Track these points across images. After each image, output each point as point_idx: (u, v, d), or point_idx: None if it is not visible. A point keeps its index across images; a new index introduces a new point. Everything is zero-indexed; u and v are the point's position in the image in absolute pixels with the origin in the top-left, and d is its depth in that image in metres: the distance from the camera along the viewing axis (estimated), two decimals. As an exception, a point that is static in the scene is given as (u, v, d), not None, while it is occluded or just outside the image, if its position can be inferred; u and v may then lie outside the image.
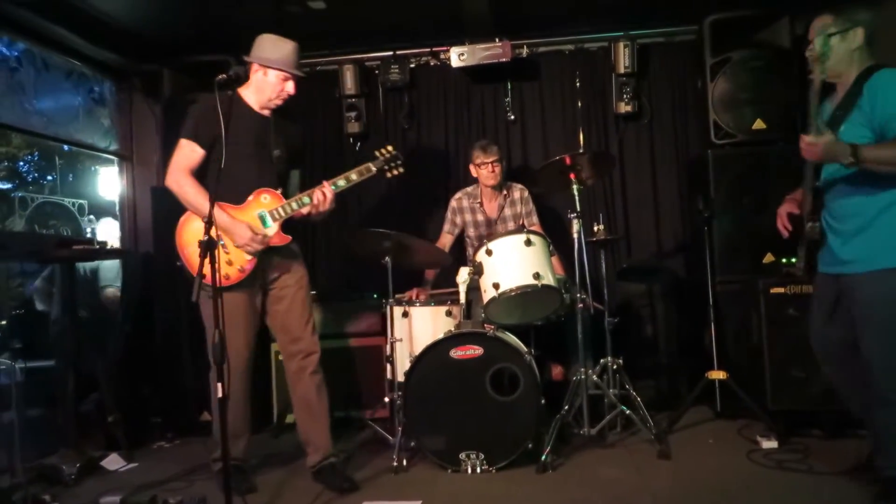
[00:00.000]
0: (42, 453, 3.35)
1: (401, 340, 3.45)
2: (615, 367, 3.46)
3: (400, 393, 3.23)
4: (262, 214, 2.92)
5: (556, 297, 3.24)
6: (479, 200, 4.08)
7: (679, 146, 4.59)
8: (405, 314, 3.58)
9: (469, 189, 4.16)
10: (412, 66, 4.71)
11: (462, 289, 3.49)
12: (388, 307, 3.42)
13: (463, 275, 3.51)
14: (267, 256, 2.96)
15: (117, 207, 5.10)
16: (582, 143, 4.61)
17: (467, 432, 3.10)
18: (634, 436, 3.47)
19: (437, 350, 3.18)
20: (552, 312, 3.33)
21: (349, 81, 4.62)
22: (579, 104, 4.63)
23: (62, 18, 3.81)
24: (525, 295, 3.18)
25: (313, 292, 3.27)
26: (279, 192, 2.97)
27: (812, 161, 2.48)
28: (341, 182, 3.04)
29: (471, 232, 4.11)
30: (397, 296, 3.52)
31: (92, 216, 8.01)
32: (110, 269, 4.59)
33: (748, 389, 3.48)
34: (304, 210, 2.97)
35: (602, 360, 3.49)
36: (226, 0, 3.75)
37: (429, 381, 3.16)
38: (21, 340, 4.21)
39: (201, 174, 2.93)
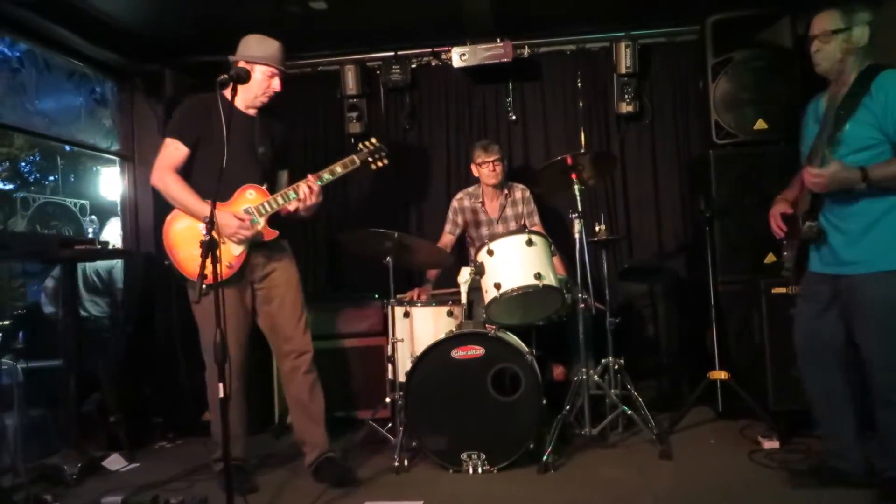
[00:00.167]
0: (44, 453, 3.35)
1: (402, 341, 3.46)
2: (616, 367, 3.46)
3: (401, 393, 3.23)
4: (248, 210, 2.93)
5: (557, 297, 3.24)
6: (480, 200, 4.08)
7: (680, 146, 4.58)
8: (406, 314, 3.58)
9: (470, 189, 4.16)
10: (413, 66, 4.70)
11: (463, 289, 3.48)
12: (390, 307, 3.42)
13: (464, 275, 3.50)
14: (255, 253, 2.96)
15: (119, 208, 5.10)
16: (583, 143, 4.61)
17: (469, 432, 3.10)
18: (636, 436, 3.47)
19: (438, 350, 3.18)
20: (554, 313, 3.33)
21: (350, 82, 4.62)
22: (581, 104, 4.63)
23: (63, 19, 3.81)
24: (526, 295, 3.18)
25: (312, 292, 3.27)
26: (264, 187, 2.98)
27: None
28: (326, 175, 3.05)
29: (472, 232, 4.11)
30: (399, 296, 3.52)
31: (94, 216, 8.02)
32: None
33: (750, 390, 3.47)
34: (292, 206, 2.97)
35: (603, 361, 3.49)
36: (227, 0, 3.74)
37: (430, 381, 3.15)
38: (23, 340, 4.20)
39: (186, 172, 2.95)
